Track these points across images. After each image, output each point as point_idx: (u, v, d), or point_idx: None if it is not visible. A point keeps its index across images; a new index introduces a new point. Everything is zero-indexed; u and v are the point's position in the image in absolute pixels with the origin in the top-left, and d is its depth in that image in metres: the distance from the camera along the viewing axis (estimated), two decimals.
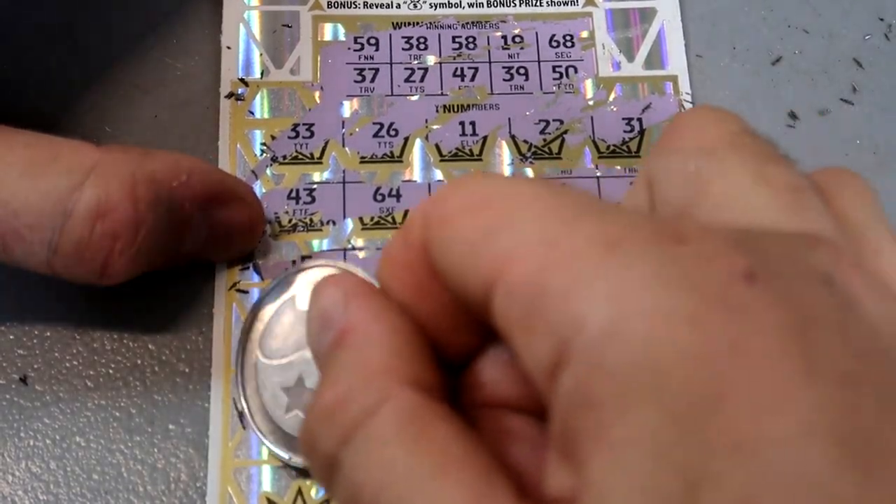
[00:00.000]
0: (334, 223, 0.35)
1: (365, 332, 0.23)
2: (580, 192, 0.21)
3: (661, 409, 0.18)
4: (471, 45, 0.38)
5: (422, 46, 0.38)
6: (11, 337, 0.33)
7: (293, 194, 0.35)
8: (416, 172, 0.36)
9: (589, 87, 0.37)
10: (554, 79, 0.37)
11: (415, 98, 0.37)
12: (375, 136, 0.36)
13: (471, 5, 0.38)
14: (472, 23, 0.38)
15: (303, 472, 0.31)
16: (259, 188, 0.35)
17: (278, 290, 0.32)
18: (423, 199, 0.23)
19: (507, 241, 0.21)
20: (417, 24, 0.38)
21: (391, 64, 0.37)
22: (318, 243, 0.34)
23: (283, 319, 0.32)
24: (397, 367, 0.22)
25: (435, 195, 0.23)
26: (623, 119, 0.37)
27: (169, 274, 0.33)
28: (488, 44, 0.38)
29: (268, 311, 0.32)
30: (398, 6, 0.38)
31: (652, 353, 0.18)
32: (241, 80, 0.37)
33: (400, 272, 0.24)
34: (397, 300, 0.23)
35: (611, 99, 0.37)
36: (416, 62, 0.37)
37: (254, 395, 0.31)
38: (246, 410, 0.31)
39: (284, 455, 0.31)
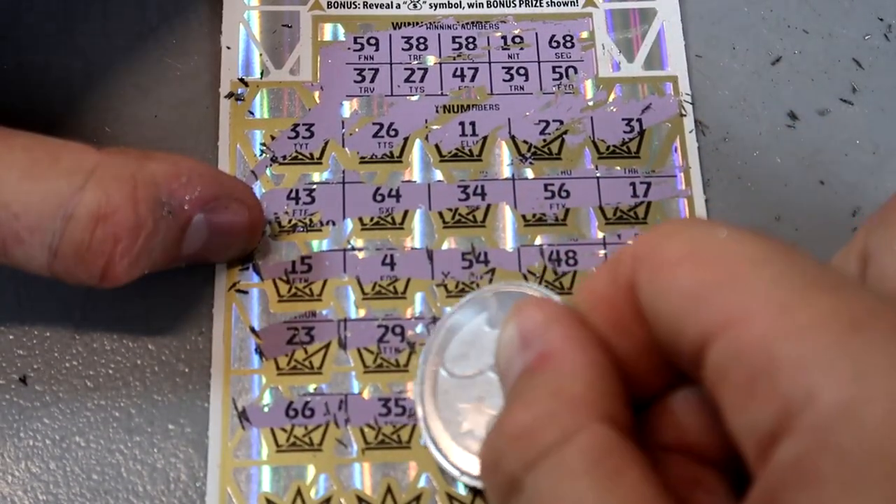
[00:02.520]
0: (334, 223, 0.35)
1: (565, 360, 0.23)
2: (809, 257, 0.21)
3: (891, 495, 0.18)
4: (471, 46, 0.38)
5: (422, 47, 0.38)
6: (11, 337, 0.33)
7: (293, 194, 0.35)
8: (415, 173, 0.36)
9: (589, 88, 0.37)
10: (554, 79, 0.37)
11: (415, 98, 0.37)
12: (375, 136, 0.36)
13: (471, 5, 0.38)
14: (472, 23, 0.38)
15: (474, 491, 0.31)
16: (259, 188, 0.35)
17: (470, 306, 0.32)
18: (635, 238, 0.23)
19: (735, 299, 0.21)
20: (417, 24, 0.38)
21: (391, 64, 0.37)
22: (318, 244, 0.34)
23: (469, 336, 0.31)
24: (595, 399, 0.22)
25: (649, 237, 0.23)
26: (623, 119, 0.37)
27: (169, 274, 0.33)
28: (488, 44, 0.38)
29: (456, 326, 0.32)
30: (398, 6, 0.38)
31: (892, 440, 0.18)
32: (241, 80, 0.37)
33: (601, 306, 0.24)
34: (596, 332, 0.23)
35: (611, 99, 0.37)
36: (415, 62, 0.37)
37: (433, 409, 0.31)
38: (424, 424, 0.31)
39: (456, 471, 0.30)
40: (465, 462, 0.30)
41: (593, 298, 0.24)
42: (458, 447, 0.30)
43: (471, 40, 0.38)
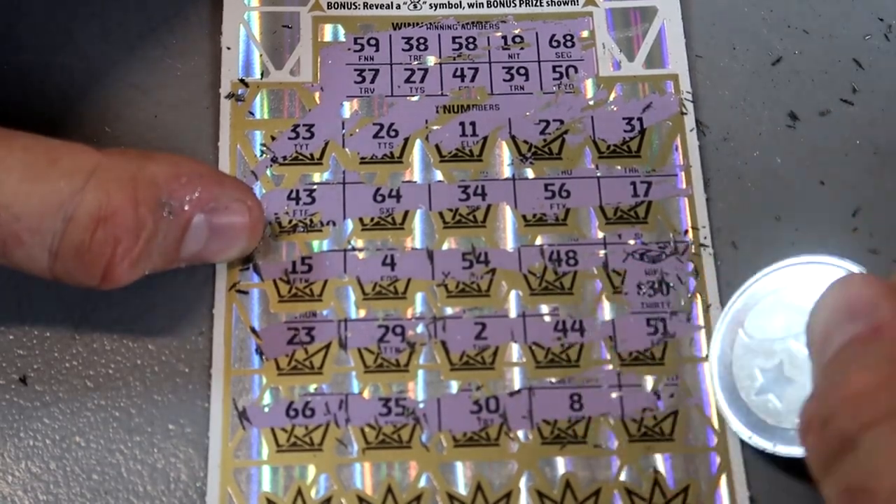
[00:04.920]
0: (334, 224, 0.35)
1: None
2: None
3: None
4: (471, 46, 0.38)
5: (422, 47, 0.38)
6: (11, 337, 0.33)
7: (293, 195, 0.35)
8: (416, 173, 0.36)
9: (589, 87, 0.37)
10: (554, 79, 0.37)
11: (415, 99, 0.37)
12: (375, 136, 0.36)
13: (471, 5, 0.38)
14: (472, 23, 0.38)
15: (758, 454, 0.32)
16: (259, 189, 0.35)
17: (768, 278, 0.32)
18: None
19: None
20: (417, 24, 0.38)
21: (391, 64, 0.37)
22: (318, 244, 0.34)
23: (769, 307, 0.32)
24: None
25: None
26: (623, 119, 0.37)
27: (169, 274, 0.33)
28: (488, 44, 0.38)
29: (756, 296, 0.32)
30: (398, 7, 0.38)
31: None
32: (241, 80, 0.37)
33: None
34: None
35: (611, 99, 0.37)
36: (416, 63, 0.37)
37: (728, 370, 0.32)
38: (716, 385, 0.32)
39: (745, 434, 0.31)
40: (753, 424, 0.31)
41: None
42: (748, 410, 0.31)
43: (471, 40, 0.38)
